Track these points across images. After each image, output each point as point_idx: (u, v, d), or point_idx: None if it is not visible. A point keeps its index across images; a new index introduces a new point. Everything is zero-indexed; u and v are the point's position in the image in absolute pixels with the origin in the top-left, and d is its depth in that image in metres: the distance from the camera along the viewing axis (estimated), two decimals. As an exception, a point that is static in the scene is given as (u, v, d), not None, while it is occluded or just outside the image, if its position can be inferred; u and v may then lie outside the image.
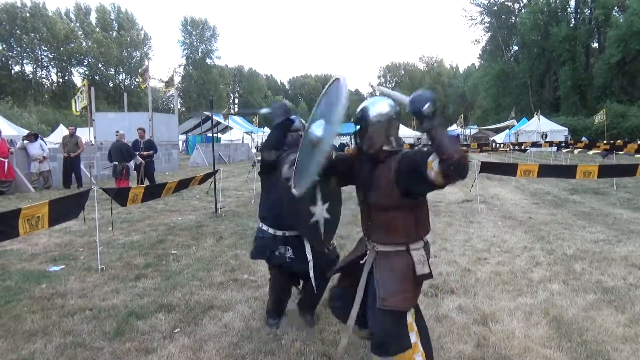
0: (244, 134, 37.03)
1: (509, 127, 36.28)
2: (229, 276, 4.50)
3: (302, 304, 3.27)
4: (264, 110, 3.56)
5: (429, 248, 2.33)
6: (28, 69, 60.19)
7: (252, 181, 10.52)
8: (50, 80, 63.24)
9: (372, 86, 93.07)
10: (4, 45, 55.98)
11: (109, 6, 64.27)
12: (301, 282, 3.29)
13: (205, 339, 3.12)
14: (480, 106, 63.33)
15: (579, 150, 19.67)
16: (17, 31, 55.14)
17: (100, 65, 62.87)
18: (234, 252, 5.44)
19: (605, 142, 22.07)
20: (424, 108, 1.85)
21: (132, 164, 10.65)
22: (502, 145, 28.91)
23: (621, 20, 41.43)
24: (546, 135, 31.36)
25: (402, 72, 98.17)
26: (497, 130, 40.90)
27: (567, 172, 8.83)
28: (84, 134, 19.04)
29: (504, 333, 3.14)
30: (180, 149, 28.95)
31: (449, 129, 50.20)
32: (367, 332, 2.28)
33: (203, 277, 4.46)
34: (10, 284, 4.32)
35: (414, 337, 2.19)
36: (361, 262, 2.35)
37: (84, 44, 61.17)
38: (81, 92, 13.49)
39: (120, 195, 5.47)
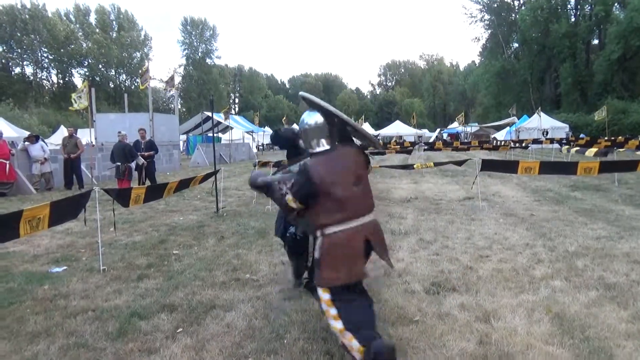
0: (244, 134, 37.07)
1: (509, 125, 36.19)
2: (231, 276, 4.51)
3: (308, 285, 3.43)
4: None
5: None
6: (28, 70, 60.47)
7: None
8: (51, 82, 63.47)
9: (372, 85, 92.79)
10: (5, 47, 56.11)
11: (109, 7, 64.49)
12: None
13: (208, 339, 3.13)
14: (481, 104, 63.34)
15: (577, 149, 18.75)
16: (17, 33, 55.24)
17: (100, 66, 63.01)
18: (235, 251, 5.44)
19: (606, 138, 21.95)
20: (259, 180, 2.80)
21: (134, 164, 10.67)
22: (503, 142, 28.79)
23: (621, 16, 41.35)
24: (547, 133, 31.26)
25: (403, 70, 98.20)
26: (498, 128, 40.76)
27: (568, 168, 8.85)
28: (85, 135, 19.12)
29: (506, 330, 3.14)
30: (181, 149, 28.98)
31: (450, 126, 50.26)
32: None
33: (205, 277, 4.47)
34: (13, 285, 4.33)
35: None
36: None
37: (84, 45, 61.26)
38: (81, 92, 13.47)
39: (122, 196, 5.45)
